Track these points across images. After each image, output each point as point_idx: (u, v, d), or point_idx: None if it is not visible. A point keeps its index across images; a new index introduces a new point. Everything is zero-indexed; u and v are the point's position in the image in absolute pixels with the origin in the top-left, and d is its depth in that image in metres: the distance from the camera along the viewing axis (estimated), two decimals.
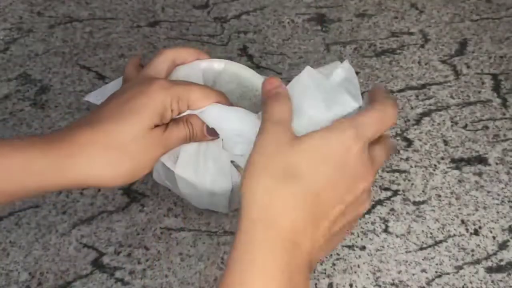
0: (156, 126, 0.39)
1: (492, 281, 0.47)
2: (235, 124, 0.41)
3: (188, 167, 0.42)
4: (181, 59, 0.44)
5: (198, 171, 0.42)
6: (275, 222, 0.33)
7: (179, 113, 0.41)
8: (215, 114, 0.41)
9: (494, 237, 0.50)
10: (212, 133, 0.42)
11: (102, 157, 0.37)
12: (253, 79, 0.45)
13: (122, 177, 0.38)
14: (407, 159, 0.55)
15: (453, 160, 0.55)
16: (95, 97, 0.49)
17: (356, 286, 0.47)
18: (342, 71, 0.38)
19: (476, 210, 0.52)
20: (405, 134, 0.57)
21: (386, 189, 0.53)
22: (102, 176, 0.38)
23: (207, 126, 0.42)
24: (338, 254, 0.49)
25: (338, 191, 0.34)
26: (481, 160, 0.55)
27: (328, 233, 0.35)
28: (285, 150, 0.34)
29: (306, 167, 0.33)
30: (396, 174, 0.54)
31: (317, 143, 0.34)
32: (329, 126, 0.35)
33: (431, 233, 0.50)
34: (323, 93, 0.37)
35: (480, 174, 0.54)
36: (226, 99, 0.42)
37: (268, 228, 0.32)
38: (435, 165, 0.55)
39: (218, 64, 0.46)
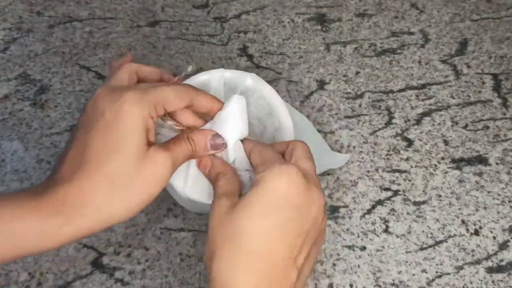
0: (150, 142, 0.38)
1: (493, 281, 0.47)
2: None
3: None
4: (145, 73, 0.43)
5: (179, 173, 0.43)
6: None
7: (158, 117, 0.40)
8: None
9: (494, 237, 0.50)
10: (216, 147, 0.42)
11: (113, 198, 0.36)
12: (279, 106, 0.47)
13: (140, 205, 0.37)
14: (407, 159, 0.55)
15: (453, 160, 0.55)
16: None
17: (356, 287, 0.47)
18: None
19: (477, 210, 0.52)
20: (405, 134, 0.57)
21: (386, 189, 0.53)
22: (119, 213, 0.36)
23: (213, 138, 0.42)
24: (338, 255, 0.49)
25: (291, 233, 0.35)
26: (482, 160, 0.55)
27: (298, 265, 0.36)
28: (225, 221, 0.36)
29: (247, 228, 0.35)
30: (396, 174, 0.54)
31: (251, 202, 0.36)
32: (257, 179, 0.36)
33: (431, 233, 0.50)
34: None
35: (480, 174, 0.54)
36: (208, 101, 0.42)
37: None
38: (435, 165, 0.55)
39: (247, 80, 0.47)
